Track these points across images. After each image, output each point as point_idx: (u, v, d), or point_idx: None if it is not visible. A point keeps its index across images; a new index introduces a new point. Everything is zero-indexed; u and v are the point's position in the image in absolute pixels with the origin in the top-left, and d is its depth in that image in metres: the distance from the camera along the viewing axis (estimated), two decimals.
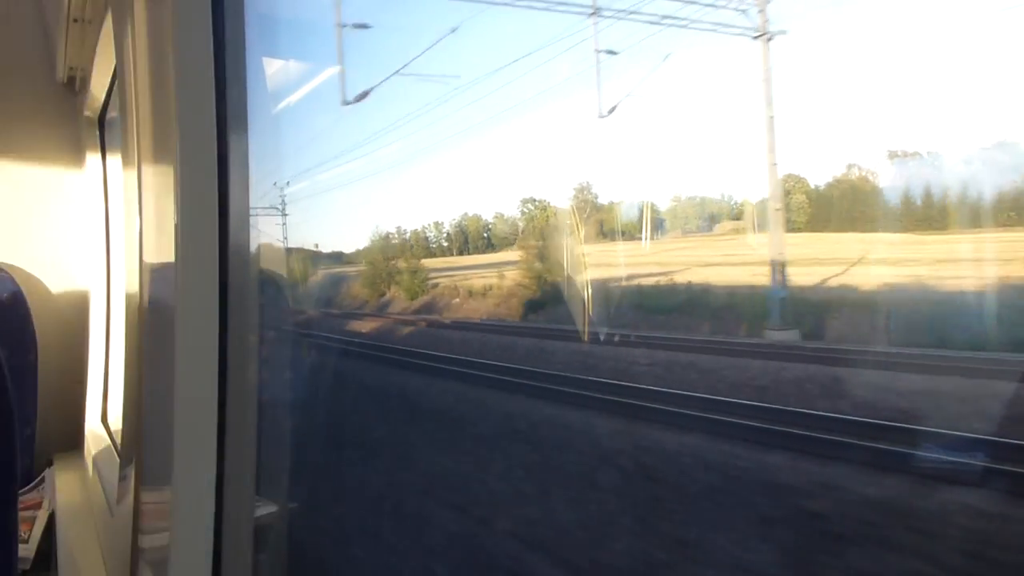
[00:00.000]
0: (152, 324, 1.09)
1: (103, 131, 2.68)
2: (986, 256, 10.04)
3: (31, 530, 2.20)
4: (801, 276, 12.14)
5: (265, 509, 1.04)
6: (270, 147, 1.17)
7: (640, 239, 19.15)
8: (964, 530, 4.39)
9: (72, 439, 2.72)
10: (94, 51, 2.06)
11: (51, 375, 2.66)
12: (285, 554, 1.09)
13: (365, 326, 18.44)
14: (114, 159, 2.66)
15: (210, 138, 0.91)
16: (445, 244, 27.55)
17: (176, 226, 0.90)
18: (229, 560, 0.93)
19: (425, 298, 20.09)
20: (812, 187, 17.08)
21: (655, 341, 10.65)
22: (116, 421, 2.56)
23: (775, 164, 9.94)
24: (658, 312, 13.47)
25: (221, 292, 0.91)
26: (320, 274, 22.12)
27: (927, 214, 13.48)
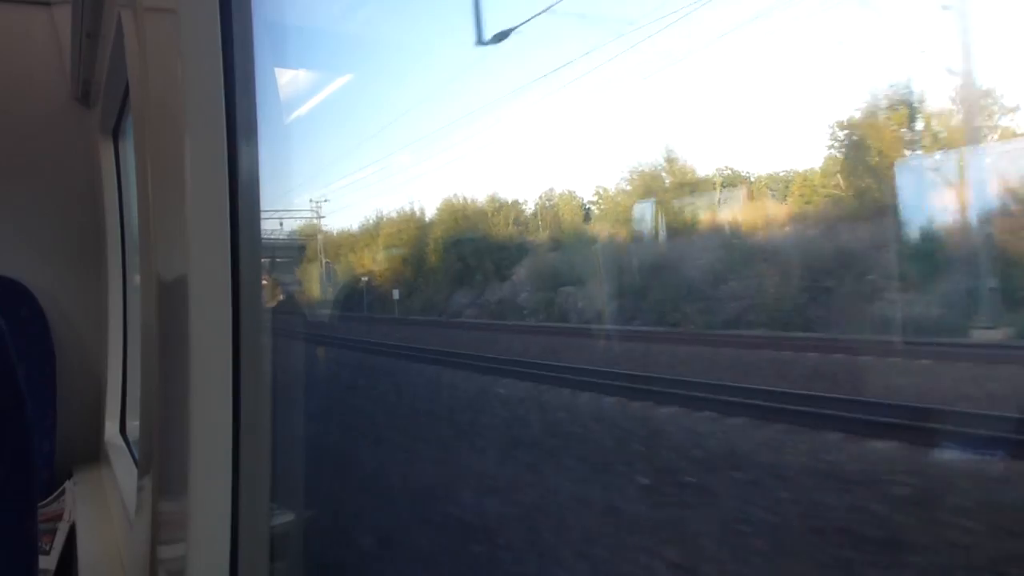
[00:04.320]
0: (166, 335, 1.10)
1: (117, 144, 2.70)
2: None
3: (52, 541, 2.22)
4: None
5: (281, 517, 1.04)
6: (280, 156, 1.18)
7: None
8: None
9: (92, 451, 2.74)
10: (107, 65, 2.08)
11: (70, 388, 2.69)
12: (302, 562, 1.09)
13: None
14: (128, 172, 2.69)
15: (220, 148, 0.91)
16: None
17: (188, 238, 0.91)
18: (246, 569, 0.93)
19: None
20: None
21: None
22: (134, 432, 2.59)
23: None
24: None
25: (234, 302, 0.91)
26: None
27: None
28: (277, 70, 1.17)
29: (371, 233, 23.85)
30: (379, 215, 24.30)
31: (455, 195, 21.35)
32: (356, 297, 22.24)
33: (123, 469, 2.28)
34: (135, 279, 2.64)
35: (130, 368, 2.70)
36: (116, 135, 2.69)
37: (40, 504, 1.99)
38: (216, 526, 0.92)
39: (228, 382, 0.92)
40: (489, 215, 20.17)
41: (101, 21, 1.97)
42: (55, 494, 2.48)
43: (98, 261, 2.78)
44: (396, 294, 20.25)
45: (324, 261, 23.66)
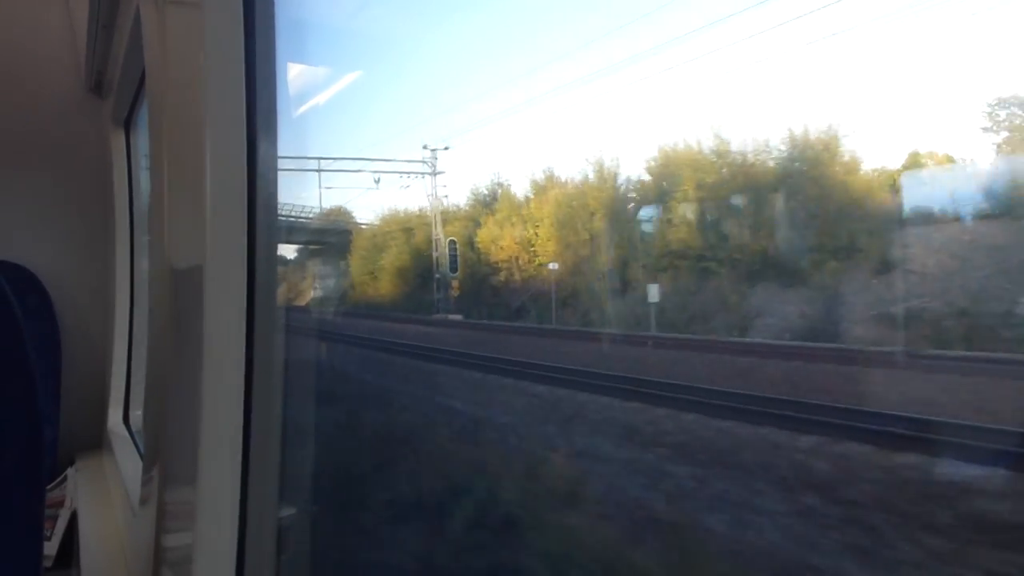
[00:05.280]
0: (179, 325, 1.10)
1: (129, 134, 2.71)
2: None
3: (54, 528, 2.23)
4: None
5: (288, 511, 1.05)
6: (298, 150, 1.18)
7: None
8: None
9: (94, 439, 2.75)
10: (122, 56, 2.09)
11: (74, 376, 2.70)
12: (308, 556, 1.09)
13: None
14: (139, 161, 2.70)
15: (240, 142, 0.92)
16: None
17: (205, 229, 0.91)
18: (252, 560, 0.94)
19: None
20: None
21: None
22: (137, 421, 2.59)
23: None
24: None
25: (248, 294, 0.92)
26: None
27: None
28: (294, 64, 1.18)
29: (511, 202, 16.94)
30: (497, 181, 17.51)
31: (713, 135, 12.58)
32: (491, 295, 15.99)
33: (126, 457, 2.28)
34: (142, 269, 2.65)
35: (135, 358, 2.71)
36: (128, 126, 2.69)
37: None
38: (223, 517, 0.92)
39: (240, 374, 0.92)
40: (827, 157, 11.18)
41: (118, 12, 1.98)
42: (57, 480, 2.48)
43: (106, 250, 2.79)
44: (655, 292, 11.99)
45: (445, 239, 16.74)
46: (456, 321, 15.94)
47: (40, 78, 2.74)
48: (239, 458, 0.92)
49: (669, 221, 12.95)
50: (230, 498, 0.92)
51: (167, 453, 1.18)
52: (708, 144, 12.75)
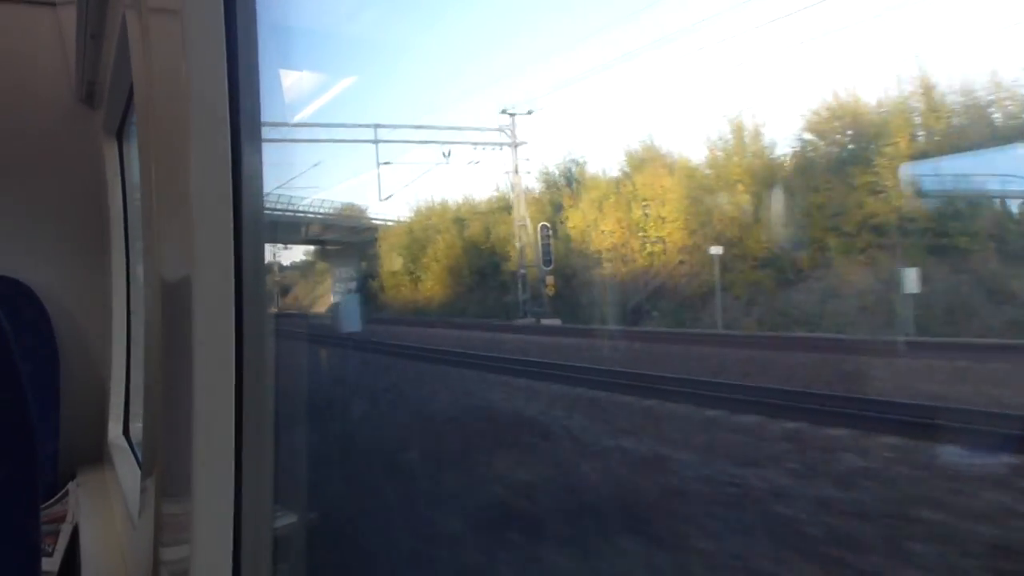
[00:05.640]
0: (170, 336, 1.09)
1: (122, 145, 2.70)
2: None
3: (56, 543, 2.22)
4: None
5: (285, 519, 1.04)
6: (284, 158, 1.18)
7: None
8: None
9: (95, 452, 2.74)
10: (111, 66, 2.08)
11: (73, 389, 2.69)
12: (304, 564, 1.08)
13: None
14: (132, 173, 2.69)
15: (224, 150, 0.91)
16: None
17: (192, 238, 0.90)
18: (249, 571, 0.93)
19: None
20: None
21: None
22: (137, 434, 2.59)
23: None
24: None
25: (237, 303, 0.91)
26: None
27: None
28: (281, 71, 1.17)
29: (605, 180, 13.53)
30: (571, 158, 14.32)
31: (918, 74, 9.51)
32: (591, 292, 12.26)
33: (126, 471, 2.27)
34: (139, 281, 2.64)
35: (134, 370, 2.70)
36: (120, 136, 2.69)
37: (43, 505, 1.99)
38: (219, 528, 0.91)
39: (231, 383, 0.91)
40: None
41: (105, 22, 1.97)
42: (58, 495, 2.47)
43: (102, 262, 2.78)
44: (912, 279, 8.61)
45: (532, 226, 13.59)
46: (558, 327, 12.47)
47: (31, 89, 2.74)
48: (232, 468, 0.92)
49: (871, 186, 9.80)
50: (225, 508, 0.92)
51: (163, 465, 1.17)
52: (908, 88, 9.67)
